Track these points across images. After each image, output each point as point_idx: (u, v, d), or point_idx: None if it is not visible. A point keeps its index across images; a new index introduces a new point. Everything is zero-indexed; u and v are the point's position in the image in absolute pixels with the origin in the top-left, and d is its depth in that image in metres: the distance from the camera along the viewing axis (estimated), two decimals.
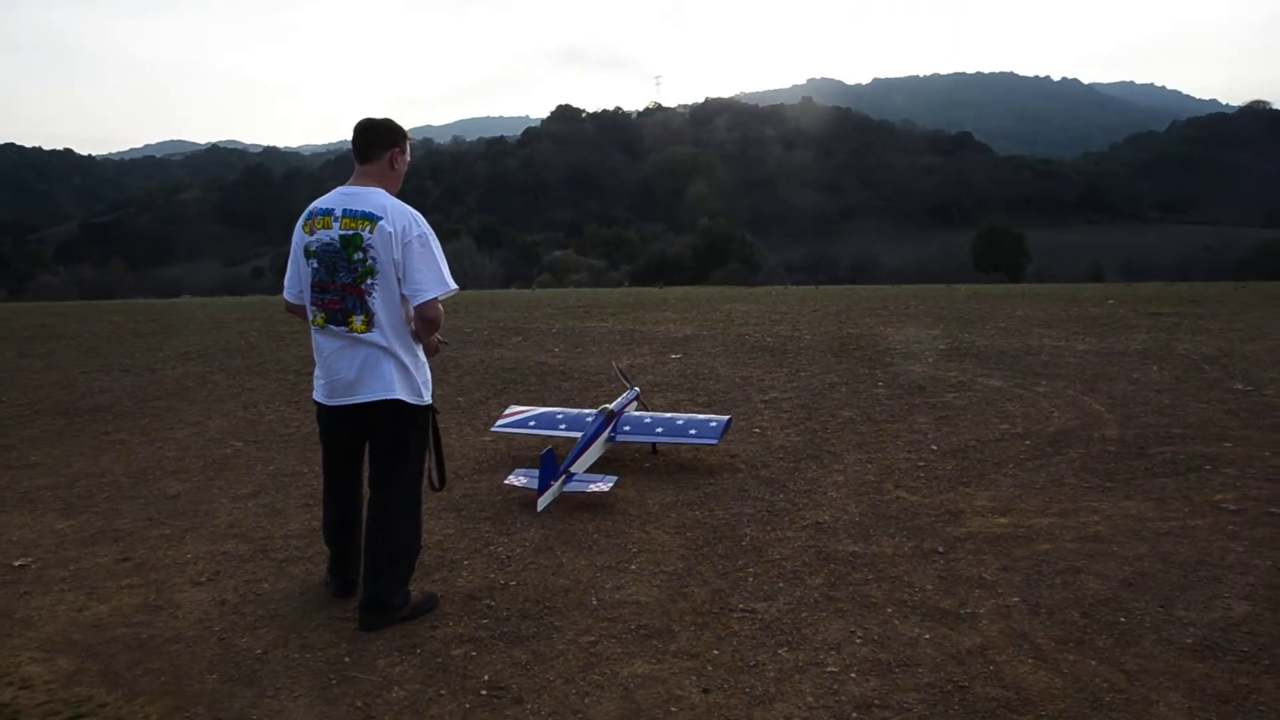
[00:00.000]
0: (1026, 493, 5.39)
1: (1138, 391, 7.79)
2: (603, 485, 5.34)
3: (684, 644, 3.67)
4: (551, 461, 5.29)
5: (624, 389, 6.92)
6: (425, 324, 3.83)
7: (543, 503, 5.23)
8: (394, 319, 3.79)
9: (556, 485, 5.33)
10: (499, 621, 3.91)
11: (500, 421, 6.65)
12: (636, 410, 6.65)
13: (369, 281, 3.73)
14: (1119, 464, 5.87)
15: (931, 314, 13.77)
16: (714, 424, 6.13)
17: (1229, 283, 23.90)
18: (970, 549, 4.57)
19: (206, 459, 6.72)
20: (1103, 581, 4.13)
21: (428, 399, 3.97)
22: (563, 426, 6.35)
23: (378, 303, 3.75)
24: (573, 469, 5.56)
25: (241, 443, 7.16)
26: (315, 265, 3.78)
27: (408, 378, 3.86)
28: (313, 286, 3.81)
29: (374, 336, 3.77)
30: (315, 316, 3.84)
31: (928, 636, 3.67)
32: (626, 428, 6.23)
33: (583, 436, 5.88)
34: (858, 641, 3.65)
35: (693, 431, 6.08)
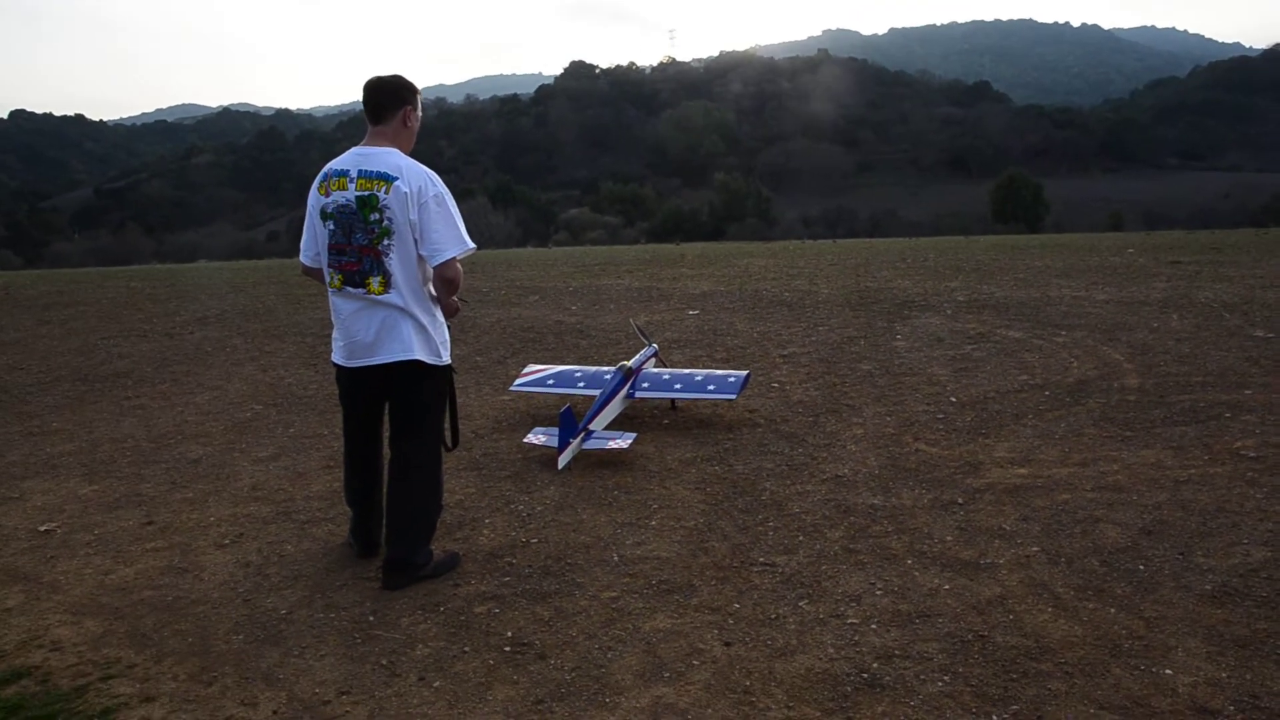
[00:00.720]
0: (1046, 443, 5.37)
1: (1157, 340, 7.73)
2: (621, 442, 5.38)
3: (705, 598, 3.69)
4: (570, 419, 5.34)
5: (642, 346, 6.95)
6: (444, 284, 3.83)
7: (563, 460, 5.30)
8: (411, 280, 3.79)
9: (576, 443, 5.38)
10: (521, 579, 3.94)
11: (519, 380, 6.72)
12: (655, 367, 6.68)
13: (386, 242, 3.71)
14: (1138, 413, 5.83)
15: (950, 266, 13.67)
16: (732, 379, 6.16)
17: (1250, 230, 23.61)
18: (989, 500, 4.56)
19: (227, 423, 6.78)
20: (1122, 530, 4.12)
21: (446, 359, 3.98)
22: (581, 384, 6.41)
23: (395, 263, 3.74)
24: (591, 426, 5.61)
25: (261, 406, 7.21)
26: (331, 227, 3.78)
27: (426, 338, 3.86)
28: (329, 249, 3.80)
29: (391, 298, 3.76)
30: (333, 279, 3.84)
31: (947, 587, 3.67)
32: (645, 384, 6.26)
33: (601, 394, 5.93)
34: (878, 593, 3.66)
35: (711, 387, 6.11)
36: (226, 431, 6.54)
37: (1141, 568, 3.76)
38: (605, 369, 6.58)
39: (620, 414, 6.08)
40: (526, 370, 6.87)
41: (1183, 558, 3.83)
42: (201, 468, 5.74)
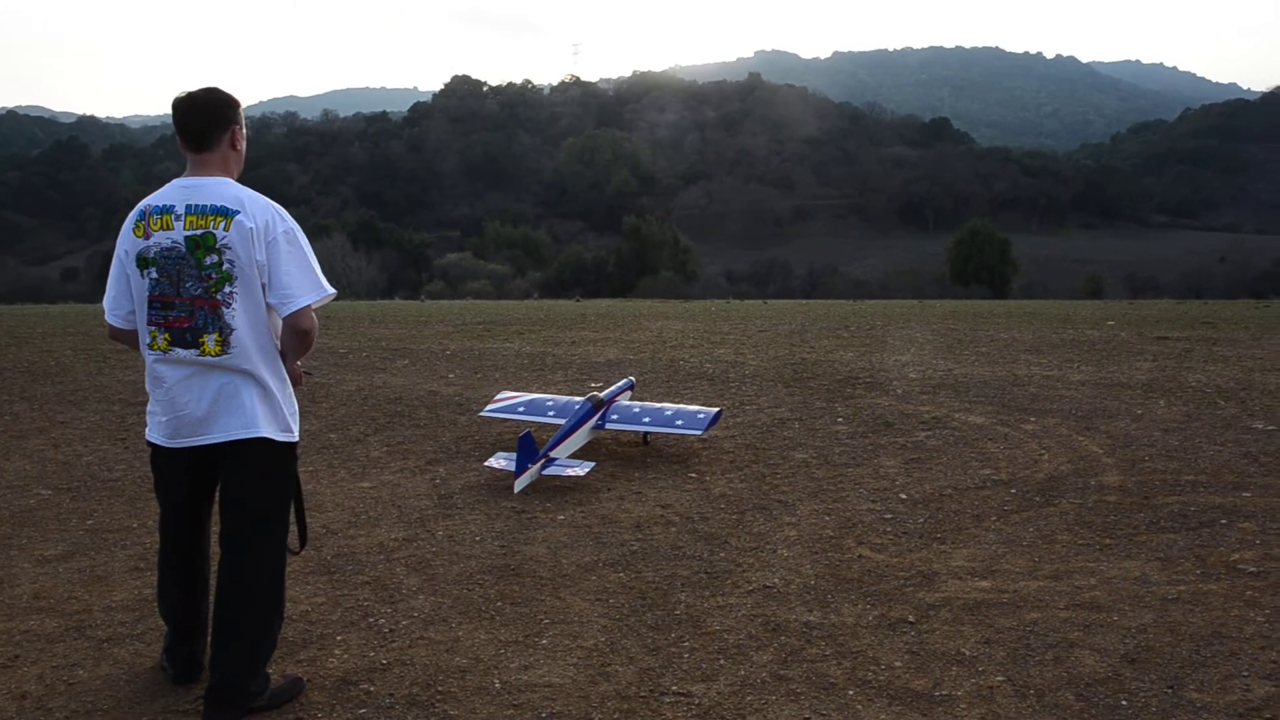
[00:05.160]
0: (1012, 551, 5.53)
1: (1142, 431, 8.04)
2: (579, 470, 6.65)
3: None
4: (530, 444, 6.56)
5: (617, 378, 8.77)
6: (298, 338, 3.82)
7: (520, 484, 6.53)
8: (259, 334, 3.77)
9: (535, 468, 6.64)
10: (380, 711, 3.89)
11: (490, 406, 8.17)
12: (628, 400, 8.07)
13: (226, 290, 3.69)
14: (1120, 517, 6.05)
15: (901, 336, 14.04)
16: (701, 415, 7.50)
17: (1248, 301, 24.78)
18: (946, 618, 4.67)
19: (3, 511, 6.55)
20: (1101, 657, 4.24)
21: (295, 433, 3.96)
22: (551, 413, 7.79)
23: (238, 315, 3.72)
24: (554, 454, 6.88)
25: (50, 491, 7.00)
26: (155, 275, 3.73)
27: (273, 408, 3.84)
28: (152, 302, 3.75)
29: (231, 359, 3.73)
30: (155, 339, 3.78)
31: None
32: (614, 416, 7.64)
33: (566, 422, 7.27)
34: None
35: (680, 422, 7.46)
36: (1, 524, 6.32)
37: (1124, 703, 3.86)
38: (576, 399, 7.95)
39: (585, 445, 7.41)
40: (499, 396, 8.36)
41: (1172, 692, 3.94)
42: None
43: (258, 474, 3.86)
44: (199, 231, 3.67)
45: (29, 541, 5.96)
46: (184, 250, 3.68)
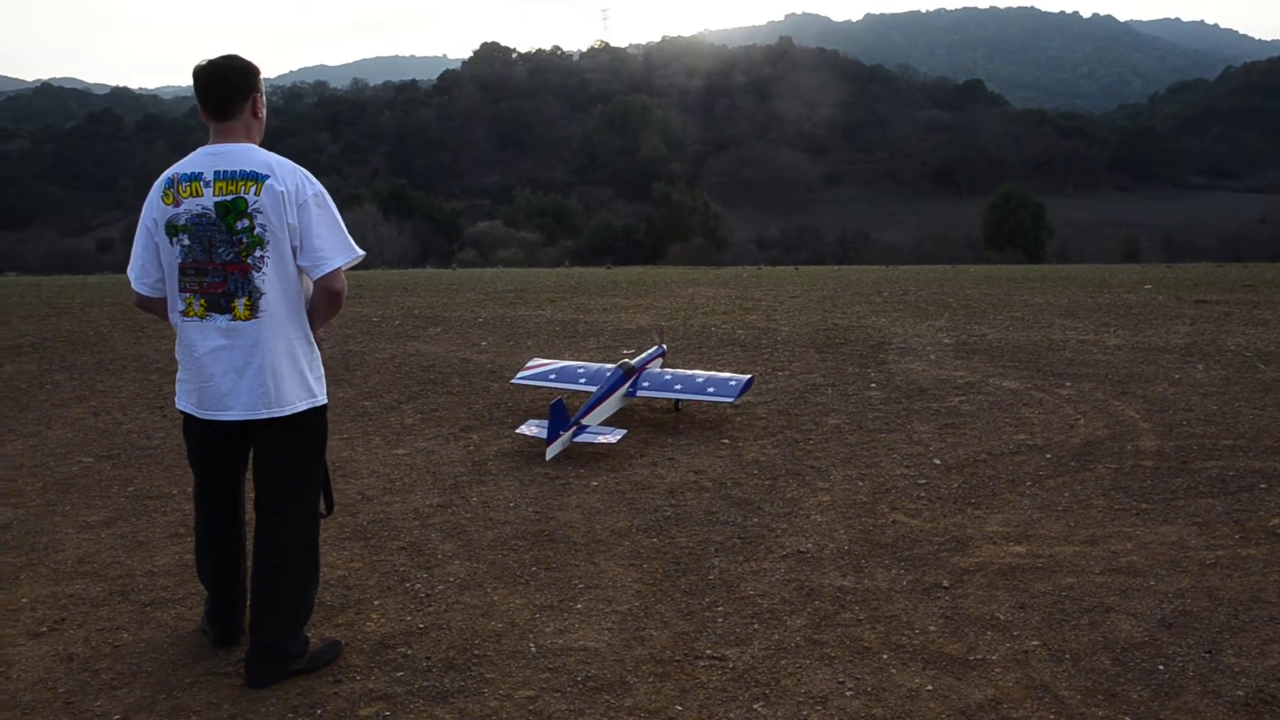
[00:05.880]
0: (1047, 516, 5.52)
1: (1179, 396, 7.99)
2: (611, 438, 6.69)
3: (641, 699, 3.72)
4: (561, 411, 6.58)
5: (651, 345, 8.57)
6: (329, 299, 3.86)
7: (551, 451, 6.55)
8: (289, 297, 3.81)
9: (566, 435, 6.67)
10: (417, 674, 3.93)
11: (521, 374, 8.24)
12: (660, 367, 8.13)
13: (258, 253, 3.72)
14: (1157, 482, 6.03)
15: (934, 301, 13.98)
16: (733, 383, 7.51)
17: None
18: (980, 583, 4.68)
19: (46, 478, 6.65)
20: (1138, 622, 4.25)
21: (323, 397, 4.00)
22: (583, 380, 7.86)
23: (270, 279, 3.75)
24: (585, 421, 6.93)
25: (92, 458, 7.09)
26: (186, 242, 3.76)
27: (301, 375, 3.87)
28: (185, 269, 3.78)
29: (260, 324, 3.76)
30: (191, 305, 3.81)
31: (930, 688, 3.75)
32: (646, 384, 7.71)
33: (597, 390, 7.33)
34: (848, 694, 3.72)
35: (711, 390, 7.48)
36: (45, 490, 6.41)
37: (1161, 668, 3.87)
38: (608, 366, 8.02)
39: (617, 411, 7.50)
40: (530, 364, 8.40)
41: (1210, 656, 3.94)
42: (11, 535, 5.61)
43: (288, 443, 3.91)
44: (229, 197, 3.69)
45: (72, 508, 6.04)
46: (214, 216, 3.71)
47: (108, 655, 4.17)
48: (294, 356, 3.85)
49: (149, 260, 3.90)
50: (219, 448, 4.01)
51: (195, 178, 3.74)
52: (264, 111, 3.96)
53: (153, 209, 3.82)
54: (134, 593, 4.80)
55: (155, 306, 4.00)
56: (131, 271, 3.96)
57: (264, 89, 3.96)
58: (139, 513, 5.94)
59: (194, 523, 4.23)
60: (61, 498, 6.25)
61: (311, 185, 3.78)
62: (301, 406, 3.88)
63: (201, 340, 3.82)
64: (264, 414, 3.81)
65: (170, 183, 3.78)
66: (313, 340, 3.96)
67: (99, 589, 4.85)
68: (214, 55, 3.89)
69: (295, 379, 3.86)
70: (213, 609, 4.21)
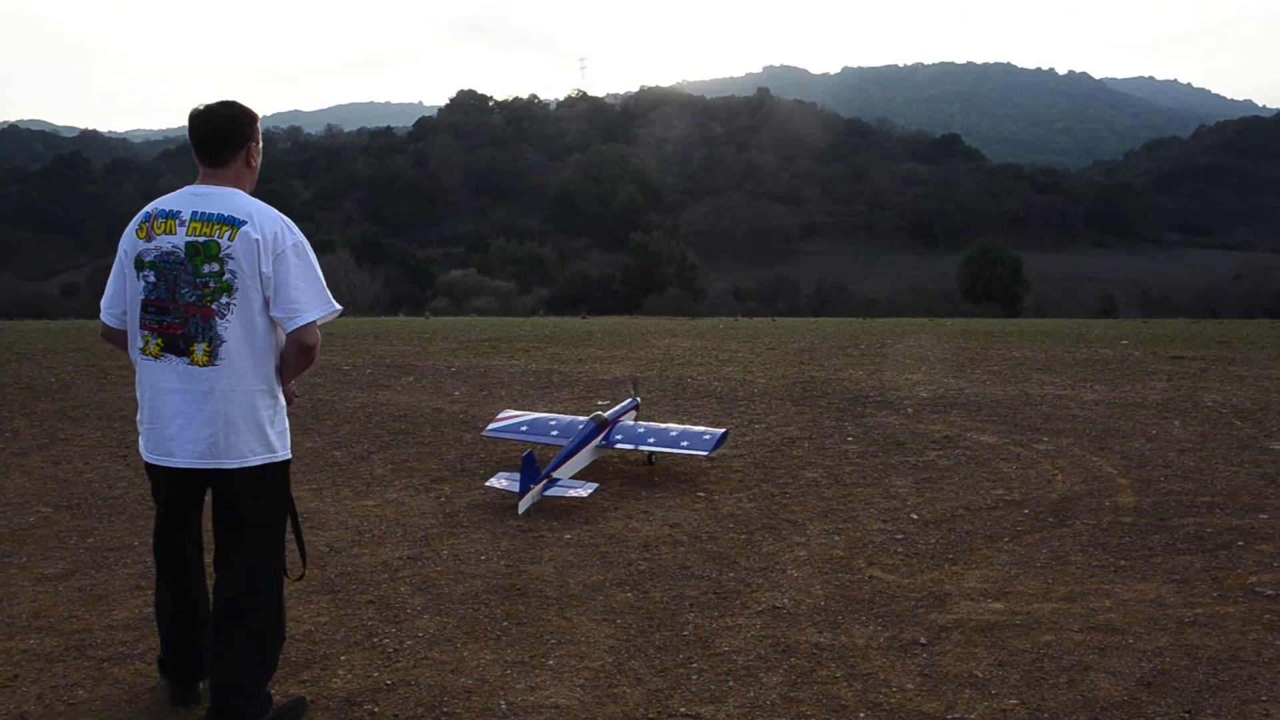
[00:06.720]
0: (1025, 572, 5.52)
1: (1157, 452, 8.03)
2: (582, 491, 6.63)
3: None
4: (532, 464, 6.53)
5: (625, 397, 8.51)
6: (301, 353, 3.83)
7: (523, 505, 6.49)
8: (253, 348, 3.77)
9: (537, 489, 6.58)
10: None
11: (492, 425, 8.17)
12: (633, 420, 8.05)
13: (223, 300, 3.69)
14: (1135, 539, 6.05)
15: (911, 354, 14.05)
16: (707, 436, 7.46)
17: (1264, 320, 24.75)
18: (958, 640, 4.67)
19: (2, 529, 6.55)
20: (1116, 680, 4.24)
21: (285, 452, 3.96)
22: (554, 433, 7.79)
23: (233, 327, 3.72)
24: (556, 474, 6.85)
25: (51, 508, 7.01)
26: (151, 279, 3.73)
27: (260, 428, 3.82)
28: (146, 306, 3.75)
29: (217, 372, 3.72)
30: (148, 343, 3.78)
31: None
32: (618, 436, 7.62)
33: (570, 442, 7.27)
34: None
35: (685, 443, 7.40)
36: (1, 541, 6.33)
37: None
38: (580, 418, 7.91)
39: (589, 465, 7.38)
40: (501, 415, 8.35)
41: (1189, 717, 3.95)
42: None
43: (241, 496, 3.86)
44: (202, 239, 3.68)
45: (29, 559, 5.96)
46: (182, 256, 3.69)
47: (62, 714, 4.10)
48: (253, 408, 3.80)
49: (118, 292, 3.89)
50: (174, 490, 3.97)
51: (172, 215, 3.73)
52: (258, 160, 3.95)
53: (127, 240, 3.82)
54: (91, 648, 4.72)
55: (118, 339, 3.98)
56: (103, 301, 3.95)
57: (260, 138, 3.96)
58: (98, 565, 5.87)
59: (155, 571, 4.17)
60: (18, 549, 6.16)
61: (292, 235, 3.76)
62: (255, 461, 3.82)
63: (156, 380, 3.79)
64: (210, 464, 3.77)
65: (148, 217, 3.79)
66: (278, 393, 3.92)
67: (54, 644, 4.77)
68: (212, 101, 3.90)
69: (252, 431, 3.81)
70: (169, 658, 4.13)
